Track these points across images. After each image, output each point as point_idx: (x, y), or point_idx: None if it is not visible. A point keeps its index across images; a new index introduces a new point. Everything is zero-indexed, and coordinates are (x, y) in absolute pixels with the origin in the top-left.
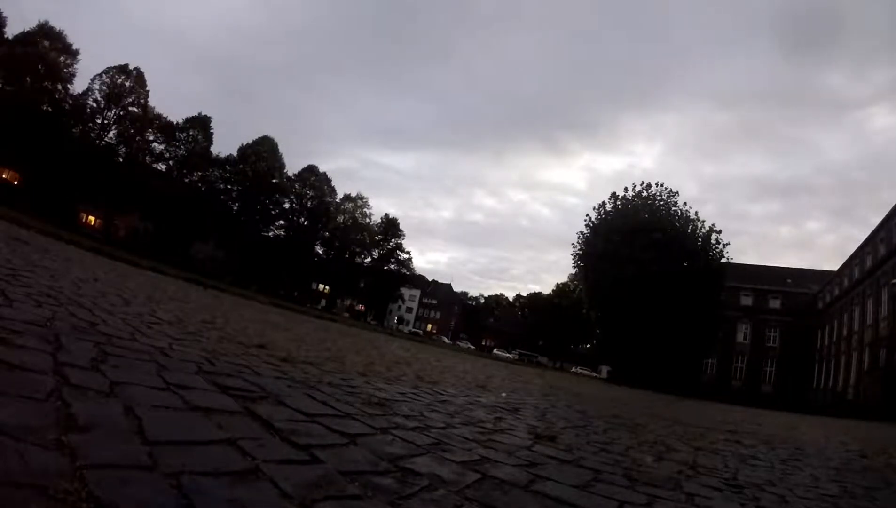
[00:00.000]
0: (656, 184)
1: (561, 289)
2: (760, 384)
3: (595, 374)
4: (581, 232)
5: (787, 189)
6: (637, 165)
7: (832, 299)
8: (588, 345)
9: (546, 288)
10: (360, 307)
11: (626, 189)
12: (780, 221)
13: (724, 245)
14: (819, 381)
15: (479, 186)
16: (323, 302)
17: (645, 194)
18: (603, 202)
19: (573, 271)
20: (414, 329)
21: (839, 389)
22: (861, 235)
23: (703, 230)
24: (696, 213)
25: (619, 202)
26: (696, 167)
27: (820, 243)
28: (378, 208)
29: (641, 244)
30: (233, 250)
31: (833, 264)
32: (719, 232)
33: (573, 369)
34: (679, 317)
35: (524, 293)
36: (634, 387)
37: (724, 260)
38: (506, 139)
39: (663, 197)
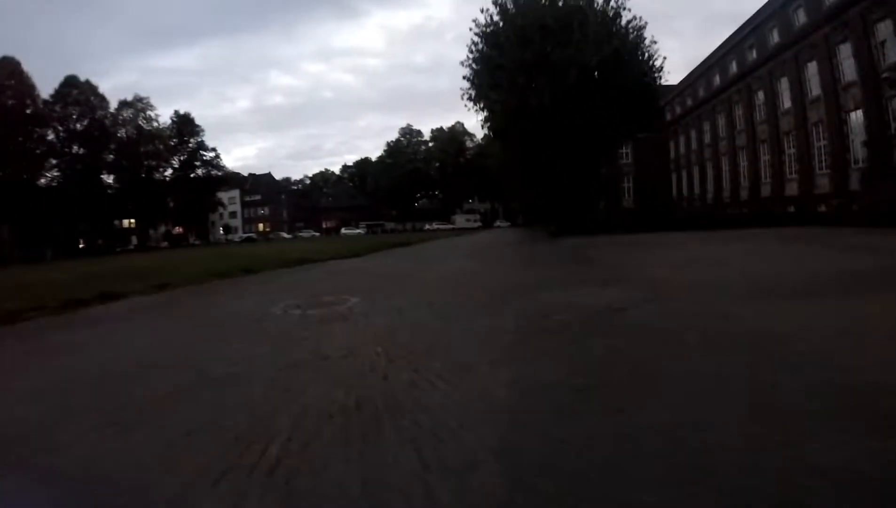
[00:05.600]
0: None
1: (393, 147)
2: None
3: (452, 225)
4: (468, 59)
5: None
6: (433, 17)
7: (685, 110)
8: (432, 197)
9: (364, 155)
10: (179, 230)
11: None
12: None
13: (662, 60)
14: (681, 190)
15: (274, 66)
16: (134, 240)
17: None
18: (486, 8)
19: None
20: (246, 234)
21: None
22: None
23: (633, 35)
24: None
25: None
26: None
27: None
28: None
29: (554, 62)
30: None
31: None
32: (655, 43)
33: (426, 226)
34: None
35: (349, 163)
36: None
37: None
38: (294, 10)
39: None
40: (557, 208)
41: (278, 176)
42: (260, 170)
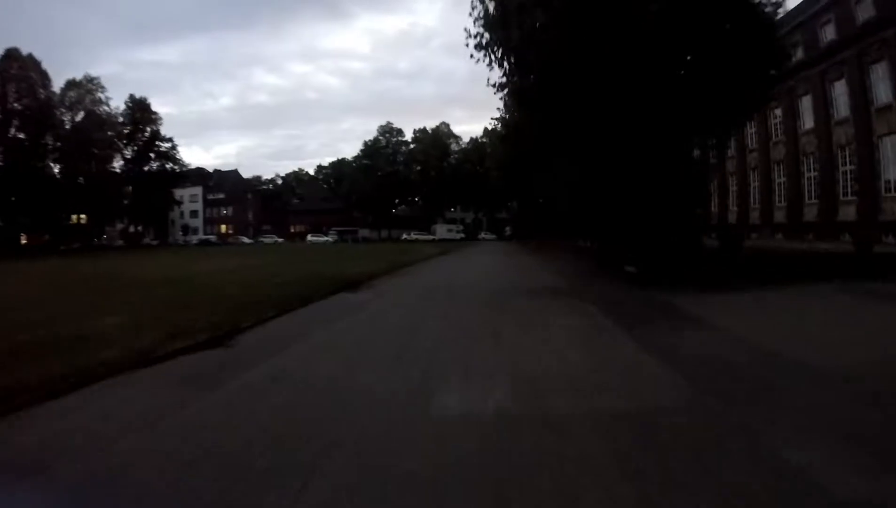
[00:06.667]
0: None
1: (371, 146)
2: None
3: (432, 236)
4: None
5: None
6: (419, 24)
7: None
8: (412, 204)
9: (346, 157)
10: (136, 228)
11: None
12: None
13: None
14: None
15: (259, 64)
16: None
17: None
18: None
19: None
20: (204, 237)
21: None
22: None
23: None
24: None
25: None
26: None
27: None
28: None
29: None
30: None
31: None
32: None
33: (403, 236)
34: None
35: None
36: None
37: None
38: (282, 9)
39: None
40: (615, 222)
41: (248, 174)
42: (243, 169)
